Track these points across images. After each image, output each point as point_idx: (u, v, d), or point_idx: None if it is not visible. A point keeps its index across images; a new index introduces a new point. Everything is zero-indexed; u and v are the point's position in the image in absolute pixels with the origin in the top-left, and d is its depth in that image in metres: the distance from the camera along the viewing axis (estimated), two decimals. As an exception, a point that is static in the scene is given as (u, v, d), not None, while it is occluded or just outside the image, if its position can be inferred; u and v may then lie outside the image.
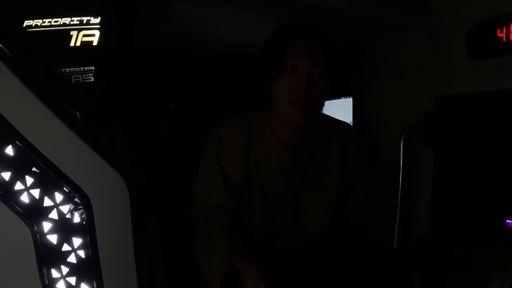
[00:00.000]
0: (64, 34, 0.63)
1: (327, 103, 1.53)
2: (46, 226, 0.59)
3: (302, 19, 0.80)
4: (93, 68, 0.64)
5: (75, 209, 0.59)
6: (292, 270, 0.86)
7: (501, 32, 0.75)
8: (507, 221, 0.87)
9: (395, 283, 0.87)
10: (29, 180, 0.59)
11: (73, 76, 0.64)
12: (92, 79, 0.64)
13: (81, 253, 0.60)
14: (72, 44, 0.63)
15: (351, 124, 1.36)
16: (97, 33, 0.63)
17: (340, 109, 1.42)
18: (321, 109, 0.88)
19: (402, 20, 1.03)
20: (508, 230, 0.87)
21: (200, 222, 0.81)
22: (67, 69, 0.64)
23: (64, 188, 0.59)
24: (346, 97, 1.40)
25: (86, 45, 0.63)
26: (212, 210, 0.81)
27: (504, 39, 0.75)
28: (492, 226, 0.91)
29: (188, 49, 1.07)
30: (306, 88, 0.75)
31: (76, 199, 0.58)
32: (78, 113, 0.60)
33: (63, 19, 0.64)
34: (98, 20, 0.64)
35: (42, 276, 0.59)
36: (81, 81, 0.64)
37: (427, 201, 1.05)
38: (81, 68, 0.64)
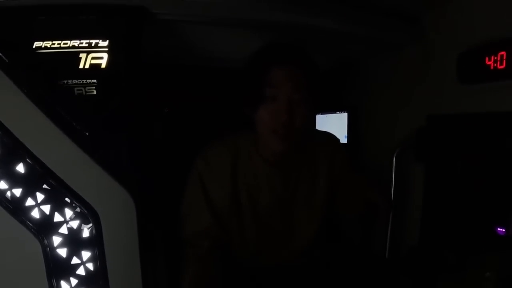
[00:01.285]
0: (73, 56, 0.66)
1: (322, 117, 1.56)
2: (56, 240, 0.62)
3: (284, 40, 0.79)
4: (95, 81, 0.66)
5: (84, 223, 0.62)
6: (285, 284, 0.88)
7: (489, 60, 0.79)
8: (498, 229, 0.91)
9: None
10: (40, 196, 0.62)
11: (76, 88, 0.66)
12: (95, 92, 0.66)
13: (90, 266, 0.63)
14: (81, 66, 0.66)
15: (346, 139, 1.41)
16: (105, 55, 0.66)
17: (335, 123, 1.46)
18: (304, 133, 0.86)
19: (395, 41, 1.06)
20: (499, 238, 0.90)
21: (185, 246, 0.82)
22: (70, 81, 0.65)
23: (73, 204, 0.62)
24: (342, 112, 1.44)
25: (95, 67, 0.66)
26: (195, 235, 0.82)
27: (491, 67, 0.79)
28: (484, 234, 0.94)
29: (187, 63, 1.12)
30: (287, 118, 0.73)
31: (85, 214, 0.61)
32: (87, 132, 0.63)
33: (72, 41, 0.67)
34: (106, 43, 0.67)
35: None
36: (84, 93, 0.66)
37: (418, 214, 1.09)
38: (84, 80, 0.66)
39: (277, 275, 0.88)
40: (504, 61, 0.76)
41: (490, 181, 0.96)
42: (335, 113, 1.47)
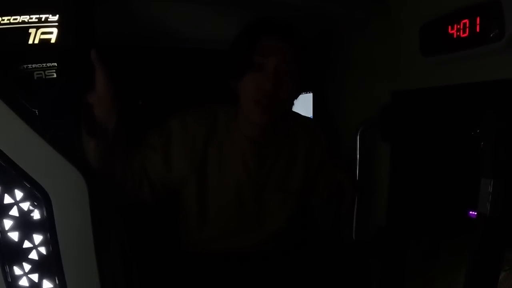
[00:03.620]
0: (22, 31, 0.63)
1: None
2: (7, 223, 0.59)
3: (275, 16, 0.78)
4: (55, 64, 0.64)
5: (35, 205, 0.59)
6: (254, 265, 0.86)
7: (452, 29, 0.76)
8: (471, 212, 0.88)
9: (355, 274, 0.88)
10: (-12, 177, 0.60)
11: (35, 73, 0.64)
12: (55, 75, 0.64)
13: (42, 250, 0.60)
14: (30, 41, 0.63)
15: (311, 118, 1.37)
16: (55, 30, 0.63)
17: (300, 104, 1.40)
18: (290, 109, 0.87)
19: (359, 17, 1.03)
20: (471, 221, 0.87)
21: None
22: (30, 65, 0.64)
23: (24, 185, 0.59)
24: (306, 93, 1.40)
25: (45, 42, 0.63)
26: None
27: (455, 36, 0.76)
28: (456, 218, 0.92)
29: (156, 46, 1.07)
30: (272, 87, 0.73)
31: (36, 195, 0.59)
32: (36, 110, 0.60)
33: (21, 17, 0.64)
34: (56, 17, 0.64)
35: (5, 274, 0.60)
36: (43, 77, 0.64)
37: (385, 194, 1.06)
38: (44, 64, 0.64)
39: (244, 256, 0.85)
40: (467, 29, 0.73)
41: (460, 160, 0.93)
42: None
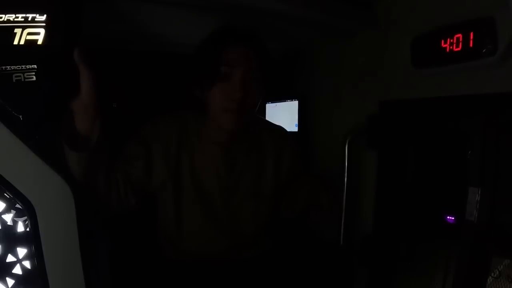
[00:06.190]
0: (7, 31, 0.59)
1: (272, 105, 1.54)
2: (-12, 236, 0.56)
3: (237, 24, 0.80)
4: (35, 66, 0.60)
5: (18, 217, 0.55)
6: (233, 272, 0.85)
7: (445, 43, 0.80)
8: (448, 217, 0.93)
9: (341, 280, 0.89)
10: (-32, 187, 0.56)
11: (14, 75, 0.59)
12: (34, 78, 0.60)
13: (27, 264, 0.57)
14: (15, 42, 0.59)
15: (296, 127, 1.39)
16: (42, 31, 0.59)
17: (286, 112, 1.43)
18: (254, 113, 0.87)
19: (347, 27, 1.05)
20: (448, 226, 0.92)
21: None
22: (8, 67, 0.59)
23: (5, 195, 0.55)
24: (292, 100, 1.41)
25: (31, 43, 0.59)
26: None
27: (447, 50, 0.79)
28: (434, 223, 0.96)
29: (134, 49, 1.04)
30: (241, 96, 0.75)
31: (19, 206, 0.55)
32: (20, 116, 0.57)
33: (7, 15, 0.60)
34: (43, 17, 0.60)
35: (-14, 289, 0.56)
36: (22, 80, 0.59)
37: (371, 201, 1.09)
38: (23, 66, 0.60)
39: (213, 270, 0.85)
40: (461, 43, 0.76)
41: (440, 169, 0.97)
42: (285, 101, 1.44)
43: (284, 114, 1.43)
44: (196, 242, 0.86)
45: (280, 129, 0.98)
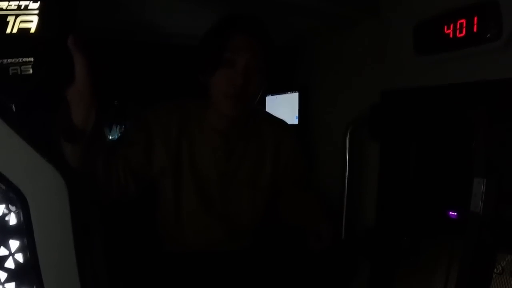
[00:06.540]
0: (0, 19, 0.58)
1: (272, 98, 1.51)
2: (-20, 228, 0.55)
3: (244, 12, 0.81)
4: (32, 59, 0.59)
5: (11, 209, 0.54)
6: (229, 264, 0.85)
7: (448, 28, 0.78)
8: (450, 213, 0.90)
9: (343, 274, 0.88)
10: (-41, 178, 0.54)
11: (11, 68, 0.58)
12: (31, 71, 0.59)
13: (19, 257, 0.55)
14: (8, 31, 0.58)
15: (297, 119, 1.38)
16: (35, 19, 0.58)
17: (286, 104, 1.41)
18: (255, 101, 0.87)
19: (348, 15, 1.04)
20: (451, 221, 0.90)
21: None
22: (4, 60, 0.59)
23: (-2, 187, 0.54)
24: (292, 92, 1.40)
25: (24, 32, 0.58)
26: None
27: (450, 35, 0.78)
28: (436, 218, 0.93)
29: (134, 40, 1.02)
30: (243, 82, 0.76)
31: (11, 198, 0.54)
32: (13, 106, 0.55)
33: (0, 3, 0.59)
34: (37, 5, 0.59)
35: (-22, 284, 0.55)
36: (19, 73, 0.59)
37: (373, 194, 1.06)
38: (20, 59, 0.59)
39: (210, 261, 0.85)
40: (464, 28, 0.75)
41: (444, 161, 0.94)
42: (285, 93, 1.43)
43: (284, 107, 1.41)
44: (193, 228, 0.87)
45: (281, 121, 0.98)
